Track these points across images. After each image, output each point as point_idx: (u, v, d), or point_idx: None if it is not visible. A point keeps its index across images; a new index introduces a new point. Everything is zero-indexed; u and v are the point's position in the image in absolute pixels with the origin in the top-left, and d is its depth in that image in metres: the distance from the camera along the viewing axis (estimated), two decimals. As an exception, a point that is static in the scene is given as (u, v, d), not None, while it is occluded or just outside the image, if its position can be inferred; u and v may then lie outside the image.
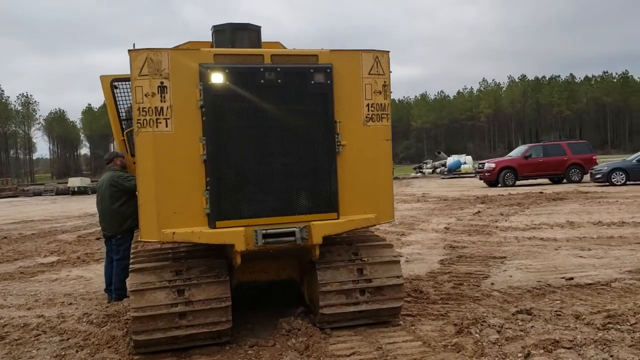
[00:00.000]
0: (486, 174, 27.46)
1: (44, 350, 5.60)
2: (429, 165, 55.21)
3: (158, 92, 4.95)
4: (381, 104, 5.48)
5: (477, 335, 5.28)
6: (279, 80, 5.08)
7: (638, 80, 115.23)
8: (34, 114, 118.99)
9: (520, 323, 5.57)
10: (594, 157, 27.11)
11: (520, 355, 4.85)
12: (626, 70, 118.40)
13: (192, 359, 5.18)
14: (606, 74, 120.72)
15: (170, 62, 4.96)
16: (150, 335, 5.13)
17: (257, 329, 5.84)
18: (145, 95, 4.94)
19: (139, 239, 5.11)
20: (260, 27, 5.89)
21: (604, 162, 27.97)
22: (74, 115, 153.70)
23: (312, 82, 5.16)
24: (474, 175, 39.59)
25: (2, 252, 12.99)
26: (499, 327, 5.48)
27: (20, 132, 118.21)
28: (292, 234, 5.11)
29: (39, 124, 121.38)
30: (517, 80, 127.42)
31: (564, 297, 6.56)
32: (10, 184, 56.93)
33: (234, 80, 5.00)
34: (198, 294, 5.23)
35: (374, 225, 5.60)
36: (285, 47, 6.70)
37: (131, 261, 5.49)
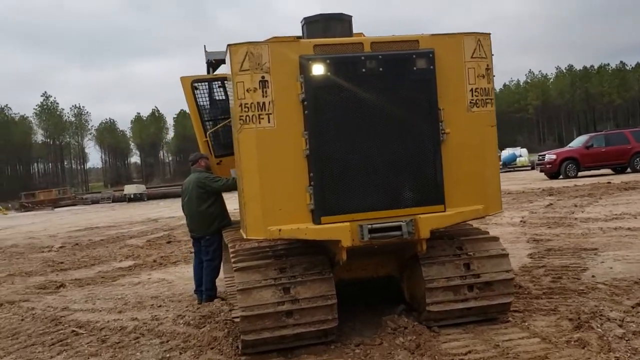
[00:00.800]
0: (547, 166, 26.64)
1: (147, 353, 5.58)
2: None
3: (259, 87, 4.84)
4: (485, 89, 5.25)
5: (600, 329, 4.98)
6: (381, 69, 4.91)
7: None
8: (86, 124, 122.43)
9: (643, 316, 5.24)
10: (661, 145, 25.97)
11: (652, 349, 4.54)
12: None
13: (301, 358, 5.05)
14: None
15: (270, 56, 4.84)
16: (258, 335, 5.02)
17: (359, 327, 5.67)
18: (247, 90, 4.84)
19: (246, 237, 5.01)
20: (351, 16, 5.73)
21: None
22: (123, 125, 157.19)
23: (415, 68, 4.96)
24: (530, 167, 38.56)
25: (77, 259, 13.24)
26: (619, 320, 5.17)
27: (74, 142, 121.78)
28: (399, 228, 4.92)
29: (90, 134, 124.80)
30: (564, 70, 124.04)
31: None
32: (69, 193, 58.67)
33: (335, 71, 4.85)
34: (304, 292, 5.10)
35: (483, 216, 5.36)
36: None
37: (234, 260, 5.40)
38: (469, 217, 5.22)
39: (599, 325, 5.05)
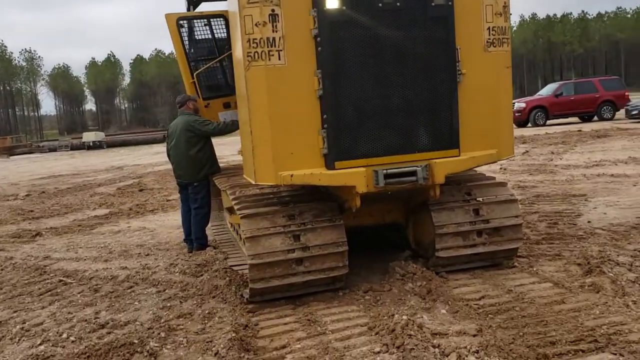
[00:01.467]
0: (516, 114, 26.83)
1: (145, 302, 5.35)
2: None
3: (269, 21, 4.50)
4: (502, 27, 5.02)
5: (611, 274, 4.97)
6: (398, 3, 4.62)
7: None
8: (38, 69, 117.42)
9: (651, 260, 5.26)
10: (626, 94, 26.37)
11: (665, 293, 4.55)
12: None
13: (310, 306, 4.91)
14: (620, 10, 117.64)
15: (282, -13, 4.48)
16: (267, 283, 4.85)
17: (365, 274, 5.56)
18: (256, 24, 4.49)
19: (255, 183, 4.76)
20: None
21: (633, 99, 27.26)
22: (78, 71, 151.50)
23: (433, 4, 4.69)
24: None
25: (48, 207, 12.75)
26: (629, 265, 5.18)
27: (26, 88, 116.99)
28: (414, 173, 4.74)
29: (43, 79, 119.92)
30: (527, 19, 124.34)
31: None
32: (24, 140, 56.67)
33: (351, 5, 4.54)
34: (314, 239, 4.92)
35: (495, 161, 5.21)
36: None
37: (238, 207, 5.16)
38: (483, 162, 5.07)
39: (609, 270, 5.04)
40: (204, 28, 7.55)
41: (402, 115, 4.74)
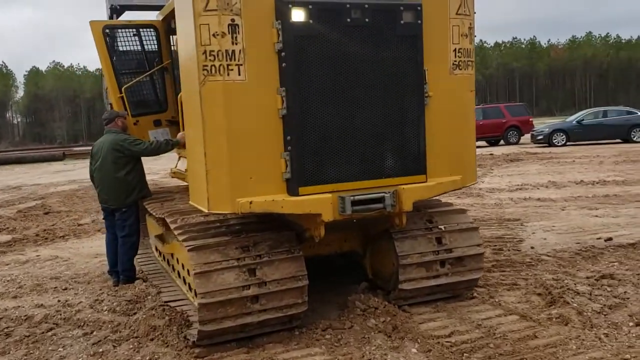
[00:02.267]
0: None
1: (71, 348, 4.65)
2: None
3: (229, 32, 4.04)
4: (467, 49, 4.84)
5: (575, 304, 4.85)
6: (367, 19, 4.30)
7: (544, 45, 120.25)
8: None
9: (609, 289, 5.21)
10: (530, 120, 27.75)
11: (631, 324, 4.48)
12: (534, 36, 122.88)
13: (266, 349, 4.42)
14: (515, 40, 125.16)
15: (244, -6, 4.05)
16: (218, 324, 4.31)
17: (321, 309, 5.13)
18: (214, 35, 4.02)
19: (208, 211, 4.23)
20: None
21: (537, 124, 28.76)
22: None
23: (402, 22, 4.41)
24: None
25: (-64, 232, 11.32)
26: (588, 294, 5.10)
27: None
28: (382, 199, 4.41)
29: None
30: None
31: (620, 258, 6.29)
32: None
33: (318, 19, 4.17)
34: (271, 273, 4.45)
35: (460, 188, 4.99)
36: None
37: (183, 237, 4.60)
38: (449, 189, 4.83)
39: (572, 300, 4.93)
40: (132, 38, 6.92)
41: (369, 137, 4.41)
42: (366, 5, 4.29)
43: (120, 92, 6.66)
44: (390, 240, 5.00)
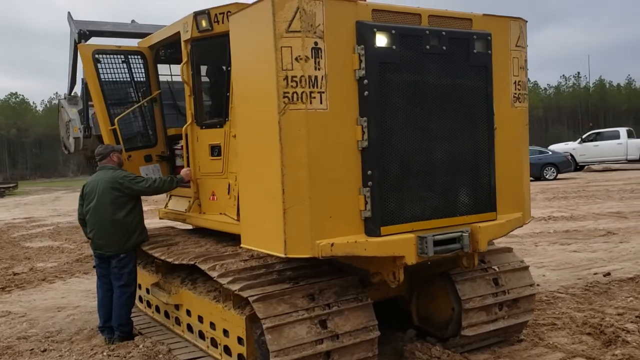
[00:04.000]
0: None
1: None
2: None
3: (312, 56, 3.64)
4: (524, 82, 4.72)
5: (635, 343, 4.74)
6: (444, 47, 4.06)
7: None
8: None
9: (654, 325, 5.17)
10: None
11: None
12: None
13: (339, 411, 3.91)
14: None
15: (325, 16, 3.68)
16: (291, 387, 3.76)
17: None
18: (297, 59, 3.60)
19: (285, 255, 3.70)
20: None
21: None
22: None
23: (475, 51, 4.21)
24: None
25: None
26: (638, 332, 5.02)
27: None
28: (459, 239, 4.11)
29: None
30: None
31: (632, 293, 6.33)
32: None
33: (400, 45, 3.87)
34: (343, 325, 3.99)
35: (522, 225, 4.77)
36: None
37: (237, 286, 4.02)
38: (515, 227, 4.60)
39: (629, 338, 4.82)
40: (121, 66, 6.29)
41: (445, 172, 4.12)
42: (443, 33, 4.05)
43: (113, 124, 5.98)
44: (445, 283, 4.70)
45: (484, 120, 4.29)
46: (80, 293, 8.12)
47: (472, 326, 4.62)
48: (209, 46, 5.57)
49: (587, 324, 5.21)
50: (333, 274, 4.27)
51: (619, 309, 5.72)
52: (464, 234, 4.10)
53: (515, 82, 4.61)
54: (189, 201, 5.95)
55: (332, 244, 3.71)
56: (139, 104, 6.26)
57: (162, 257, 5.25)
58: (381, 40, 3.78)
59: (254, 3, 3.80)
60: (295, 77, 3.60)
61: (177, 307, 5.55)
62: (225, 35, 5.24)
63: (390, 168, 3.86)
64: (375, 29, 3.76)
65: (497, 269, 4.87)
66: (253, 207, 4.03)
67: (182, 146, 6.57)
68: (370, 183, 3.81)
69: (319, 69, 3.66)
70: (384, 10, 3.94)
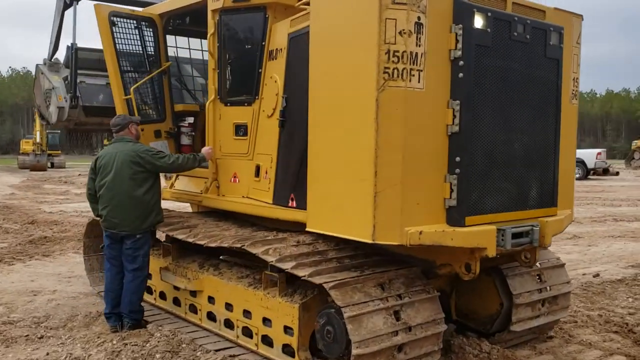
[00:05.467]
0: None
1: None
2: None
3: (414, 31, 3.44)
4: (578, 80, 4.71)
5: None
6: (527, 36, 3.97)
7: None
8: None
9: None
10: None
11: None
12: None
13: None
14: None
15: (428, -9, 3.48)
16: (368, 380, 3.55)
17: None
18: (400, 33, 3.40)
19: (372, 241, 3.48)
20: None
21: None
22: None
23: (550, 43, 4.15)
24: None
25: None
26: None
27: None
28: (529, 233, 4.03)
29: None
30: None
31: (630, 293, 6.54)
32: None
33: (494, 28, 3.74)
34: (414, 316, 3.81)
35: (570, 223, 4.76)
36: None
37: (306, 272, 3.74)
38: (568, 223, 4.59)
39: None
40: (134, 32, 5.81)
41: (520, 164, 4.03)
42: (528, 21, 3.96)
43: (128, 94, 5.50)
44: (493, 278, 4.62)
45: (553, 114, 4.24)
46: (51, 277, 7.48)
47: (520, 321, 4.56)
48: (242, 18, 5.23)
49: (611, 322, 5.30)
50: (393, 264, 4.08)
51: (629, 309, 5.86)
52: (534, 228, 4.02)
53: (573, 79, 4.60)
54: (205, 182, 5.58)
55: (421, 232, 3.53)
56: (152, 74, 5.80)
57: (196, 240, 4.85)
58: (478, 21, 3.64)
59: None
60: (397, 51, 3.40)
61: (193, 293, 5.19)
62: (262, 7, 5.01)
63: (477, 156, 3.72)
64: (474, 10, 3.60)
65: (539, 265, 4.84)
66: (329, 190, 3.78)
67: (189, 124, 6.21)
68: (457, 170, 3.65)
69: (419, 46, 3.47)
70: (478, -9, 3.78)
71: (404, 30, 3.39)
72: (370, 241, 3.50)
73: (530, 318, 4.64)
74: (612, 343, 4.89)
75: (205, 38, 6.19)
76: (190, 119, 6.23)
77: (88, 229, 6.64)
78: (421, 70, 3.49)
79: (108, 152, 5.12)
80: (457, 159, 3.65)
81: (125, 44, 5.64)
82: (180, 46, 6.54)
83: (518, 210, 4.03)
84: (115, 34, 5.53)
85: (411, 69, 3.44)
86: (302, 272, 3.80)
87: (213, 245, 4.64)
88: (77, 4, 6.85)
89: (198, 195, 5.67)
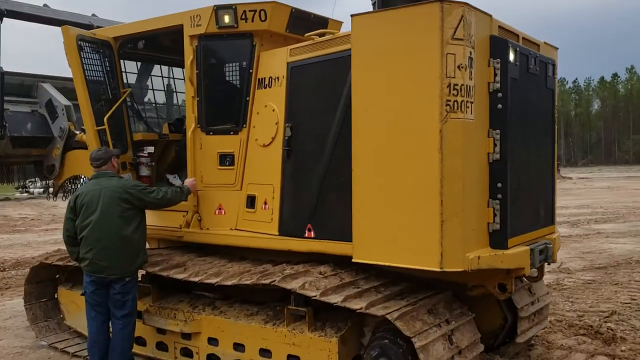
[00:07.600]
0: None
1: None
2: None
3: (468, 66, 3.61)
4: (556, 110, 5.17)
5: (629, 337, 5.45)
6: (537, 69, 4.31)
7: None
8: None
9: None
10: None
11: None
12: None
13: None
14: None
15: (475, 27, 3.67)
16: (436, 408, 3.59)
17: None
18: (459, 67, 3.55)
19: (440, 269, 3.53)
20: None
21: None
22: None
23: (549, 75, 4.54)
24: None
25: None
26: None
27: None
28: (545, 250, 4.34)
29: None
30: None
31: (564, 297, 7.20)
32: None
33: (520, 62, 4.02)
34: (462, 340, 3.94)
35: (557, 239, 5.16)
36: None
37: (362, 306, 3.69)
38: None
39: (623, 334, 5.51)
40: (96, 56, 5.37)
41: (535, 186, 4.36)
42: (537, 55, 4.31)
43: (102, 124, 5.05)
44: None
45: (551, 139, 4.63)
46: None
47: (524, 332, 4.85)
48: (226, 45, 5.07)
49: (575, 326, 5.83)
50: (425, 289, 4.17)
51: (577, 312, 6.46)
52: (548, 245, 4.34)
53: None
54: (184, 216, 5.27)
55: (479, 257, 3.67)
56: (119, 101, 5.38)
57: (203, 280, 4.52)
58: (512, 55, 3.89)
59: (406, 6, 3.62)
60: (457, 85, 3.53)
61: (186, 336, 4.86)
62: (249, 34, 4.91)
63: (513, 181, 3.95)
64: (510, 45, 3.85)
65: (525, 280, 5.18)
66: (381, 220, 3.78)
67: (148, 153, 5.84)
68: (499, 195, 3.85)
69: (471, 79, 3.63)
70: (504, 28, 4.04)
71: (461, 64, 3.53)
72: (438, 269, 3.56)
73: (528, 329, 4.96)
74: (587, 345, 5.37)
75: (160, 63, 5.89)
76: (150, 149, 5.84)
77: (31, 274, 5.94)
78: (472, 102, 3.65)
79: (90, 188, 4.65)
80: (499, 184, 3.84)
81: (91, 69, 5.17)
82: (130, 71, 6.14)
83: (533, 230, 4.31)
84: (83, 59, 5.05)
85: (467, 101, 3.58)
86: (356, 305, 3.74)
87: (229, 283, 4.39)
88: (1, 22, 6.15)
89: (177, 230, 5.32)
